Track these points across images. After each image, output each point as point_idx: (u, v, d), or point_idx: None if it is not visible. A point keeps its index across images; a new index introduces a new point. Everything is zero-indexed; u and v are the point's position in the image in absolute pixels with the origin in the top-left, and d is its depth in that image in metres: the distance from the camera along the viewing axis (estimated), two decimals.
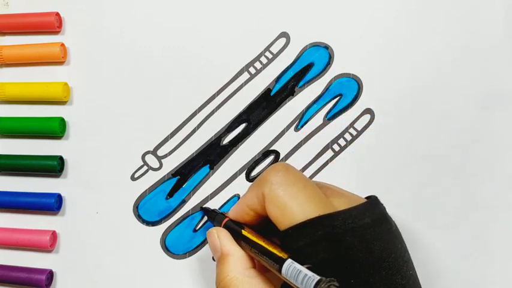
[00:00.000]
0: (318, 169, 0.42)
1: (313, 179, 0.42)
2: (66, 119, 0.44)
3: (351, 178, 0.41)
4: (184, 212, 0.43)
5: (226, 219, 0.36)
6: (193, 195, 0.43)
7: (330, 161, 0.42)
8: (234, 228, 0.35)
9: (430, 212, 0.41)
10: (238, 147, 0.43)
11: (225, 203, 0.43)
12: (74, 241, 0.44)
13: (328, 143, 0.42)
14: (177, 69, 0.43)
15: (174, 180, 0.43)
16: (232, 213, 0.36)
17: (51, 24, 0.44)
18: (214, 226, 0.37)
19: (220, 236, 0.35)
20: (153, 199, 0.43)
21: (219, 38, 0.43)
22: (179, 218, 0.43)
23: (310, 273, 0.27)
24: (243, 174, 0.43)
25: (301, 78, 0.42)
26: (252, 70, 0.43)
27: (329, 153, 0.42)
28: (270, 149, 0.43)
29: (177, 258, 0.43)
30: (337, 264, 0.29)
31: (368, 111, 0.42)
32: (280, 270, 0.29)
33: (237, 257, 0.33)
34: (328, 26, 0.42)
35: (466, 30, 0.41)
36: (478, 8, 0.41)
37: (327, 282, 0.26)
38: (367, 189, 0.39)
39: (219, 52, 0.43)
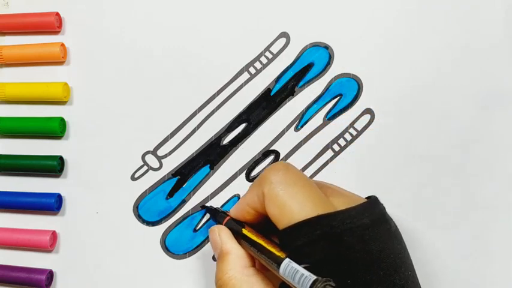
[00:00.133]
0: (318, 169, 0.42)
1: (313, 179, 0.42)
2: (66, 119, 0.44)
3: (351, 178, 0.41)
4: (185, 212, 0.43)
5: (227, 218, 0.37)
6: (193, 195, 0.43)
7: (330, 161, 0.42)
8: (235, 227, 0.35)
9: (430, 212, 0.41)
10: (238, 147, 0.43)
11: (225, 203, 0.43)
12: (74, 241, 0.44)
13: (328, 143, 0.42)
14: (177, 69, 0.43)
15: (174, 180, 0.43)
16: (234, 211, 0.36)
17: (51, 24, 0.44)
18: (216, 224, 0.37)
19: (221, 234, 0.35)
20: (153, 199, 0.43)
21: (219, 38, 0.43)
22: (179, 218, 0.43)
23: (306, 272, 0.27)
24: (243, 174, 0.43)
25: (301, 78, 0.42)
26: (252, 70, 0.43)
27: (329, 153, 0.42)
28: (270, 149, 0.42)
29: (177, 258, 0.43)
30: (335, 264, 0.29)
31: (368, 111, 0.42)
32: (278, 269, 0.29)
33: (236, 255, 0.33)
34: (328, 26, 0.42)
35: (466, 30, 0.41)
36: (478, 8, 0.41)
37: (323, 282, 0.26)
38: (367, 189, 0.39)
39: (219, 52, 0.43)
